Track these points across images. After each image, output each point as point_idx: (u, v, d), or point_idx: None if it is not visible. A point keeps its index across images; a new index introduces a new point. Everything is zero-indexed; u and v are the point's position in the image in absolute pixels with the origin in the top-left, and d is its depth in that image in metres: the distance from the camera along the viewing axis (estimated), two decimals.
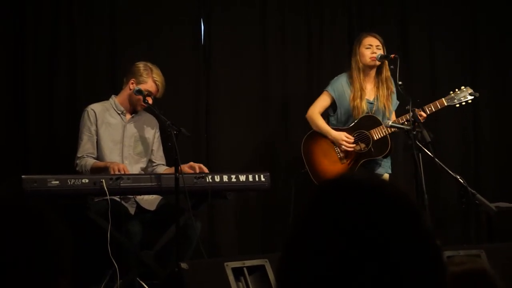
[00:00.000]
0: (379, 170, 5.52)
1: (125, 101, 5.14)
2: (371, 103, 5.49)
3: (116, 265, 4.46)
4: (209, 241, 5.75)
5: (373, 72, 5.52)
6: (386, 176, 5.52)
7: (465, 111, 6.32)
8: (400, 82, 5.09)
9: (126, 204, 4.88)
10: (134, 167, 5.05)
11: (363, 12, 6.55)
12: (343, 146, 5.43)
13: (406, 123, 5.09)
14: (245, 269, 3.92)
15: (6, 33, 5.42)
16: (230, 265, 3.88)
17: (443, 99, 5.42)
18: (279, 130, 6.20)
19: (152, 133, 5.23)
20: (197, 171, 4.87)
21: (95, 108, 5.08)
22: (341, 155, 5.51)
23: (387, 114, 5.49)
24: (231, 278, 3.84)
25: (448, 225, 6.50)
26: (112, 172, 4.68)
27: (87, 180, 4.47)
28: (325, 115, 5.59)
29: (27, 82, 5.44)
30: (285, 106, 6.23)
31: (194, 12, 6.04)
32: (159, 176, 4.72)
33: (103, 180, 4.48)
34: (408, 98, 5.00)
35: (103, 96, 5.23)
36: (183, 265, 3.79)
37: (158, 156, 5.25)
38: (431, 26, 6.72)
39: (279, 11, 6.27)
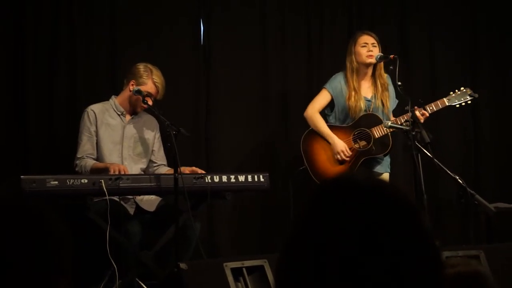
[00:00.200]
0: (379, 168, 5.52)
1: (125, 102, 5.14)
2: (369, 101, 5.49)
3: (115, 265, 4.46)
4: (208, 242, 5.74)
5: (369, 70, 5.52)
6: (385, 175, 5.52)
7: (465, 111, 6.32)
8: (399, 83, 5.10)
9: (125, 205, 4.88)
10: (134, 168, 5.05)
11: (363, 12, 6.55)
12: (338, 156, 5.43)
13: (405, 123, 5.09)
14: (244, 269, 3.92)
15: (6, 33, 5.42)
16: (229, 266, 3.88)
17: (444, 99, 5.43)
18: (279, 130, 6.20)
19: (152, 134, 5.23)
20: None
21: (95, 108, 5.08)
22: None
23: (385, 111, 5.49)
24: (230, 278, 3.84)
25: (447, 225, 6.50)
26: (112, 173, 4.68)
27: (86, 180, 4.47)
28: (322, 113, 5.58)
29: (27, 82, 5.44)
30: (285, 106, 6.23)
31: (194, 12, 6.04)
32: (158, 176, 4.72)
33: (102, 180, 4.48)
34: (408, 99, 5.00)
35: (103, 97, 5.22)
36: (182, 266, 3.79)
37: (159, 157, 5.25)
38: (431, 26, 6.73)
39: (279, 11, 6.27)
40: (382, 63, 5.48)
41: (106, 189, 4.44)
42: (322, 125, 5.50)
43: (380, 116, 5.44)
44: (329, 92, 5.53)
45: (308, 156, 5.49)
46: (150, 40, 5.82)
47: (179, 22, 5.97)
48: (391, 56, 5.31)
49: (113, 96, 5.19)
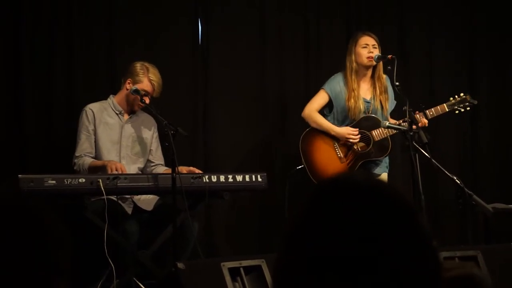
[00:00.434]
0: (377, 170, 5.51)
1: (122, 101, 5.15)
2: (368, 102, 5.49)
3: (112, 264, 4.46)
4: (206, 241, 5.75)
5: (369, 72, 5.52)
6: (384, 175, 5.52)
7: (463, 111, 6.32)
8: (397, 83, 5.09)
9: (123, 204, 4.87)
10: (132, 167, 5.05)
11: (362, 12, 6.55)
12: (350, 140, 5.41)
13: (403, 123, 5.09)
14: (241, 269, 3.92)
15: (5, 33, 5.41)
16: (226, 265, 3.88)
17: (444, 104, 5.43)
18: (277, 130, 6.20)
19: (150, 134, 5.23)
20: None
21: (93, 107, 5.08)
22: (340, 154, 5.51)
23: (384, 113, 5.49)
24: (227, 278, 3.84)
25: (445, 225, 6.50)
26: (109, 171, 4.69)
27: (84, 180, 4.47)
28: (321, 114, 5.58)
29: (25, 81, 5.43)
30: (283, 106, 6.23)
31: (192, 12, 6.04)
32: (156, 176, 4.72)
33: (100, 179, 4.48)
34: (405, 99, 4.99)
35: (102, 96, 5.22)
36: (180, 265, 3.79)
37: (157, 156, 5.25)
38: (430, 26, 6.73)
39: (278, 11, 6.27)
40: (381, 65, 5.47)
41: (103, 188, 4.44)
42: (321, 120, 5.49)
43: (379, 118, 5.43)
44: (327, 93, 5.52)
45: (306, 156, 5.49)
46: (149, 39, 5.82)
47: (178, 22, 5.97)
48: (389, 56, 5.30)
49: (111, 95, 5.19)
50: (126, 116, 5.17)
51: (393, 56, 5.25)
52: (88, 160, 4.93)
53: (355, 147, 5.46)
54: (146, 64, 5.11)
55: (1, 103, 5.39)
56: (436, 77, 6.68)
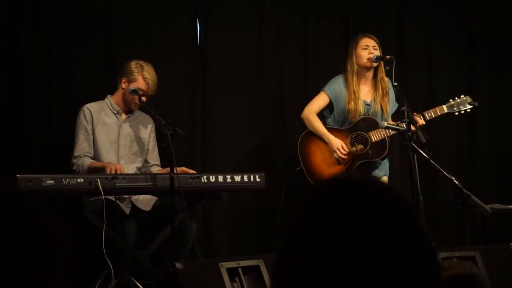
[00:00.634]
0: (377, 173, 5.50)
1: (120, 100, 5.15)
2: (368, 105, 5.48)
3: (111, 265, 4.45)
4: (204, 242, 5.74)
5: (370, 74, 5.50)
6: (384, 178, 5.49)
7: (463, 113, 6.32)
8: (395, 83, 5.09)
9: (121, 204, 4.87)
10: (130, 167, 5.05)
11: (360, 13, 6.55)
12: (337, 153, 5.41)
13: (401, 123, 5.08)
14: (240, 269, 3.92)
15: (5, 33, 5.41)
16: (225, 266, 3.88)
17: (443, 106, 5.42)
18: (276, 130, 6.20)
19: (148, 133, 5.23)
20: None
21: (91, 107, 5.08)
22: None
23: (384, 115, 5.48)
24: (226, 278, 3.84)
25: (443, 226, 6.50)
26: (108, 172, 4.68)
27: (82, 180, 4.47)
28: (321, 115, 5.58)
29: (24, 81, 5.43)
30: (281, 106, 6.23)
31: (190, 11, 6.04)
32: (154, 176, 4.72)
33: (98, 179, 4.48)
34: (403, 99, 4.99)
35: (100, 96, 5.23)
36: (178, 265, 3.79)
37: (153, 157, 5.24)
38: (429, 27, 6.72)
39: (276, 11, 6.27)
40: (383, 67, 5.46)
41: (102, 188, 4.44)
42: (318, 125, 5.48)
43: (379, 121, 5.42)
44: (327, 95, 5.52)
45: (304, 158, 5.48)
46: (147, 39, 5.82)
47: (176, 22, 5.97)
48: (388, 56, 5.30)
49: (108, 95, 5.19)
50: (123, 116, 5.17)
51: (392, 57, 5.25)
52: (87, 161, 4.93)
53: (353, 148, 5.45)
54: (141, 63, 5.11)
55: (1, 103, 5.39)
56: (436, 77, 6.68)
